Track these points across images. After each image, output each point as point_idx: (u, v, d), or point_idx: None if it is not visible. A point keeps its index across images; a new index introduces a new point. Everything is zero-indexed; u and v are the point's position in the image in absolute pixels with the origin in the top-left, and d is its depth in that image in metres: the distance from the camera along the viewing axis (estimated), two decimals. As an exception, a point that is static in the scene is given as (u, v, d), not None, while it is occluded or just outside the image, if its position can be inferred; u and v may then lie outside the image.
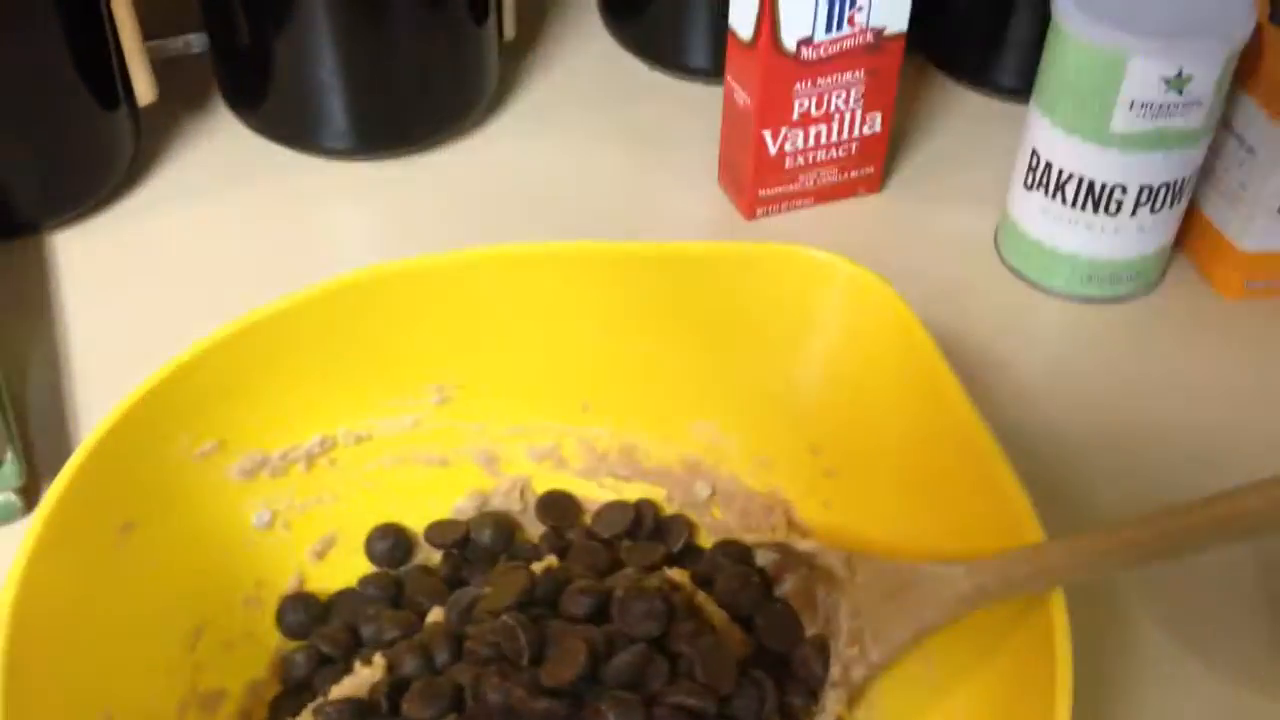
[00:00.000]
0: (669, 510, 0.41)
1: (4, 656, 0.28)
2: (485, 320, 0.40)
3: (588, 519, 0.41)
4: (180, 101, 0.59)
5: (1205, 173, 0.51)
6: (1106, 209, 0.49)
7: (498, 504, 0.41)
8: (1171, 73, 0.45)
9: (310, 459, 0.39)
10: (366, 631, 0.37)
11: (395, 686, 0.33)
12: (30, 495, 0.42)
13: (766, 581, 0.37)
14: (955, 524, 0.34)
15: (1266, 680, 0.38)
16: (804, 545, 0.36)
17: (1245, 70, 0.48)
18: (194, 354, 0.35)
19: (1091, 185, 0.49)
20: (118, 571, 0.33)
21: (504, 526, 0.40)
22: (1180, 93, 0.46)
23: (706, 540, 0.40)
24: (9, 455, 0.41)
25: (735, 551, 0.37)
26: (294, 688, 0.36)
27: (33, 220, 0.52)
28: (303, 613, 0.37)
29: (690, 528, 0.40)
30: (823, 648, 0.34)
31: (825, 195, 0.57)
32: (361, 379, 0.39)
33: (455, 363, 0.40)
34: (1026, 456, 0.45)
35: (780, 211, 0.57)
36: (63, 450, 0.44)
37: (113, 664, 0.32)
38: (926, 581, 0.31)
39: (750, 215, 0.56)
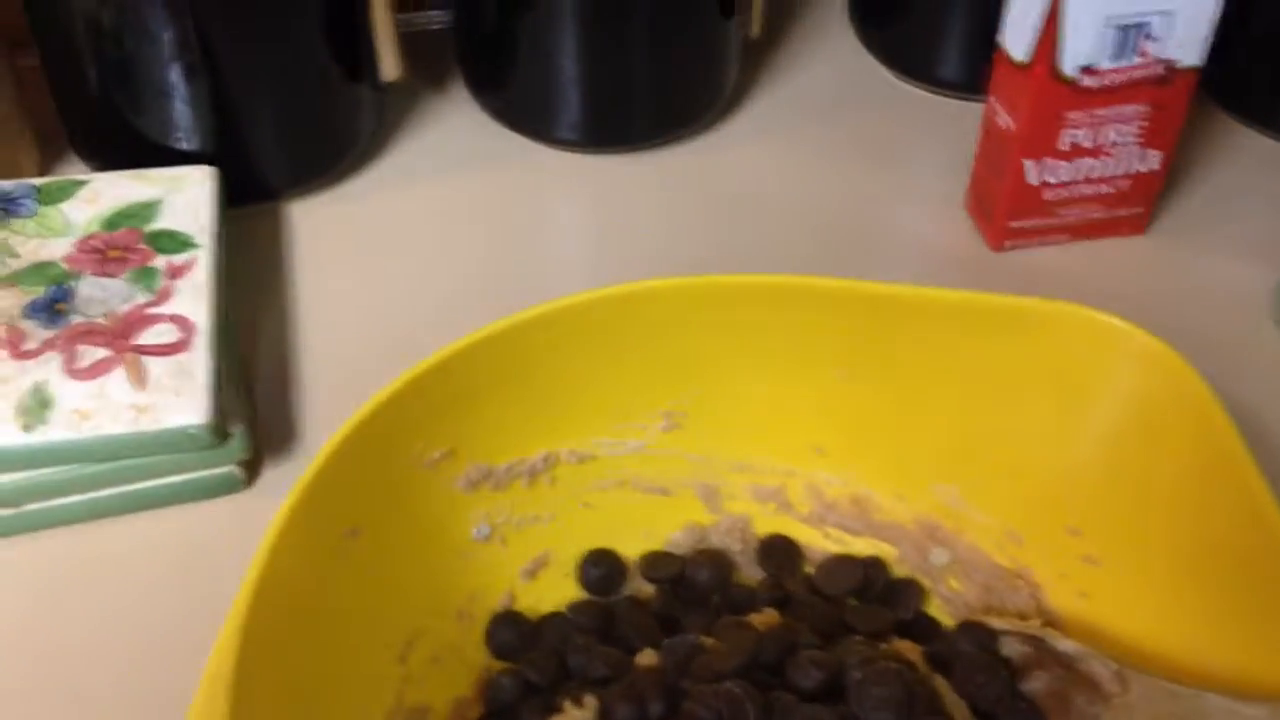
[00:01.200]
0: (899, 572, 0.38)
1: (236, 654, 0.28)
2: (720, 348, 0.37)
3: (808, 568, 0.39)
4: (422, 79, 0.59)
5: None
6: None
7: (715, 541, 0.39)
8: None
9: (533, 475, 0.37)
10: (575, 662, 0.35)
11: (606, 734, 0.32)
12: (252, 469, 0.42)
13: (1014, 675, 0.34)
14: (1246, 642, 0.30)
15: None
16: (1065, 645, 0.32)
17: None
18: (434, 362, 0.34)
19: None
20: (342, 576, 0.32)
21: (722, 567, 0.38)
22: None
23: (938, 611, 0.37)
24: (238, 428, 0.41)
25: (980, 637, 0.34)
26: (498, 711, 0.35)
27: (274, 188, 0.53)
28: (513, 633, 0.36)
29: (922, 594, 0.37)
30: (1073, 761, 0.31)
31: (1083, 232, 0.52)
32: (590, 398, 0.37)
33: (686, 389, 0.38)
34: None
35: (1030, 246, 0.52)
36: (284, 425, 0.44)
37: (329, 670, 0.31)
38: (1217, 717, 0.28)
39: (997, 246, 0.52)
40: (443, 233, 0.53)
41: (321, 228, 0.53)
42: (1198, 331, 0.48)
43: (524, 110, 0.56)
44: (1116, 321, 0.34)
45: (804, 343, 0.37)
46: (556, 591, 0.38)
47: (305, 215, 0.53)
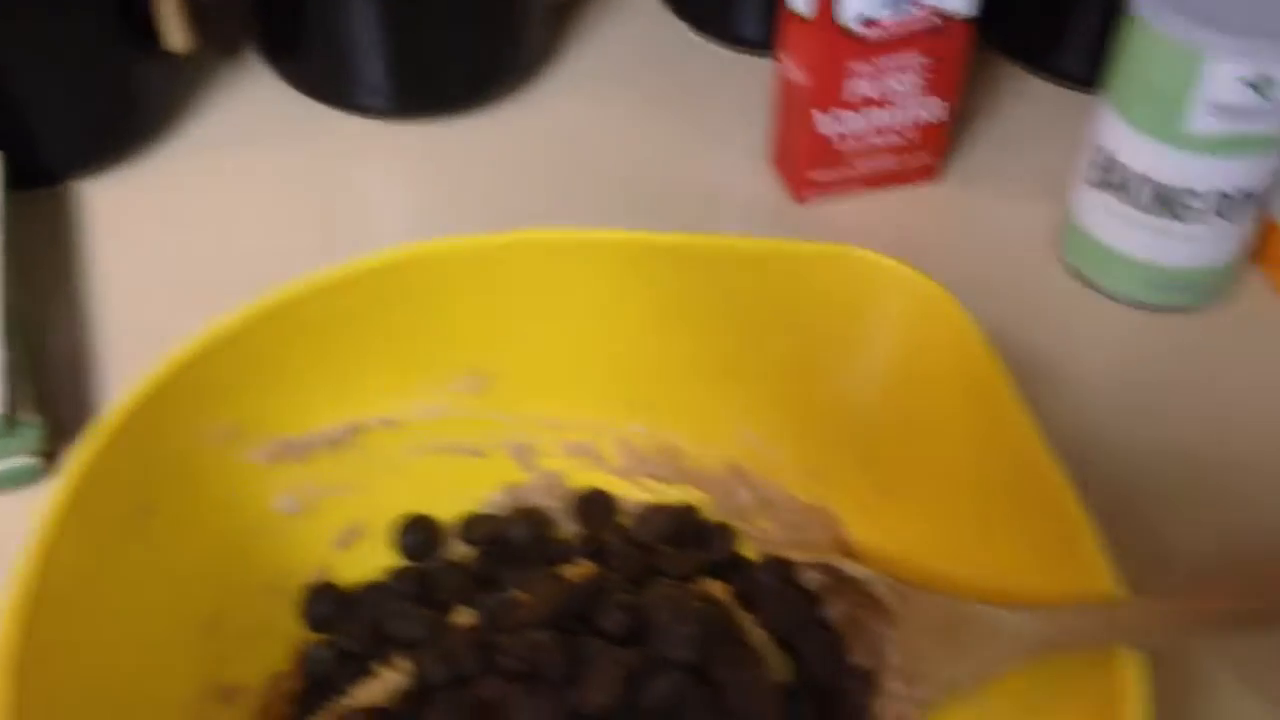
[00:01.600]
0: (711, 517, 0.40)
1: (18, 638, 0.27)
2: (523, 307, 0.38)
3: (624, 520, 0.40)
4: (216, 49, 0.57)
5: (1282, 182, 0.49)
6: (1177, 214, 0.47)
7: (531, 499, 0.40)
8: (1254, 75, 0.43)
9: (339, 444, 0.37)
10: (392, 628, 0.35)
11: (419, 694, 0.32)
12: (52, 458, 0.41)
13: (813, 604, 0.35)
14: (1015, 557, 0.32)
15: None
16: (854, 570, 0.34)
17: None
18: (220, 332, 0.33)
19: (1162, 188, 0.46)
20: (136, 555, 0.31)
21: (538, 524, 0.39)
22: (1263, 97, 0.43)
23: (749, 550, 0.39)
24: (31, 417, 0.40)
25: (781, 570, 0.36)
26: (316, 684, 0.35)
27: (59, 169, 0.51)
28: (328, 605, 0.36)
29: (733, 536, 0.39)
30: (869, 680, 0.33)
31: (881, 182, 0.55)
32: (393, 362, 0.37)
33: (491, 350, 0.38)
34: (1082, 472, 0.44)
35: (833, 196, 0.54)
36: (85, 412, 0.43)
37: (129, 652, 0.31)
38: (986, 624, 0.30)
39: (801, 198, 0.54)
40: (245, 206, 0.52)
41: (116, 207, 0.51)
42: (990, 272, 0.51)
43: (324, 78, 0.55)
44: (888, 261, 0.36)
45: (600, 297, 0.38)
46: (373, 560, 0.38)
47: (98, 195, 0.51)
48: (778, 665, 0.33)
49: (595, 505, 0.39)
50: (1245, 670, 0.37)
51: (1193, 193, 0.46)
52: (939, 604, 0.31)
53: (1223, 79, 0.43)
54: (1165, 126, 0.45)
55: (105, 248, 0.49)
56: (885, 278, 0.36)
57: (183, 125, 0.54)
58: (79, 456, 0.30)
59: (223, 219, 0.51)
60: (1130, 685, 0.27)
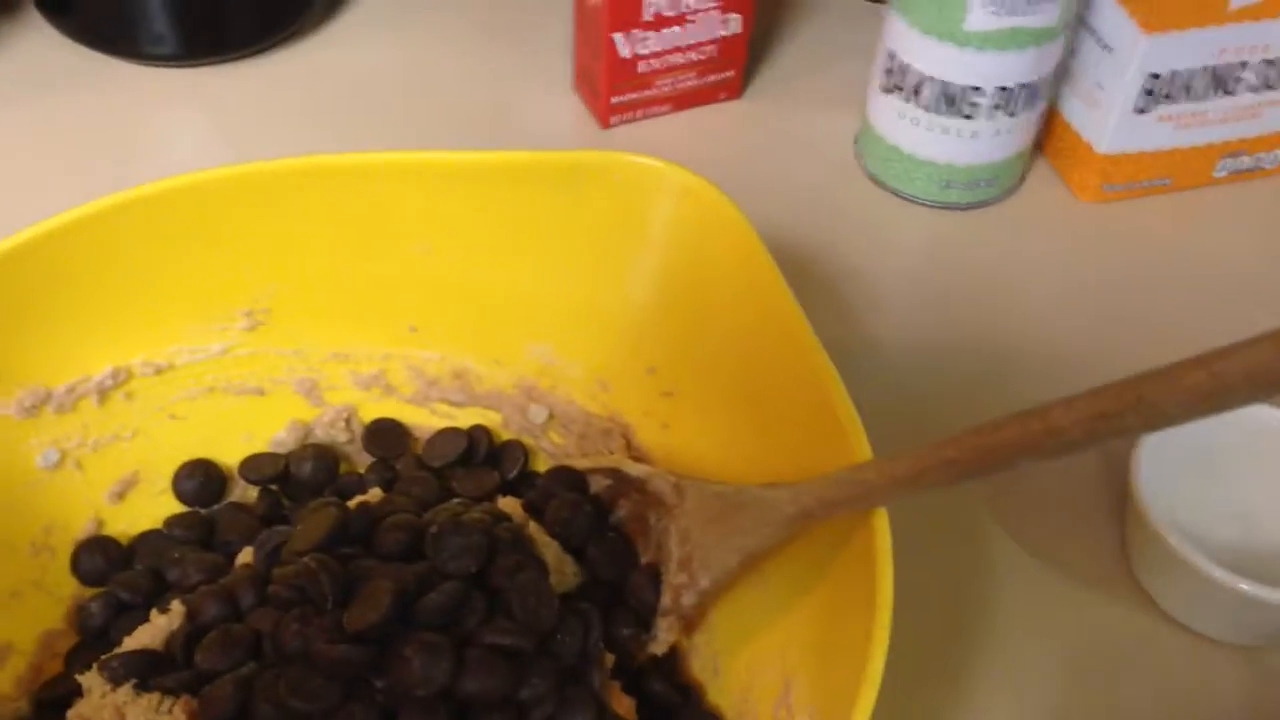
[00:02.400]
0: (505, 436, 0.39)
1: None
2: (296, 237, 0.36)
3: (419, 448, 0.39)
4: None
5: (1062, 73, 0.50)
6: (963, 112, 0.48)
7: (321, 435, 0.39)
8: (1028, -33, 0.44)
9: (102, 393, 0.35)
10: (171, 575, 0.34)
11: (193, 635, 0.31)
12: None
13: (600, 510, 0.35)
14: (790, 446, 0.32)
15: (1113, 580, 0.38)
16: (635, 470, 0.34)
17: (1101, -35, 0.47)
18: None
19: (947, 87, 0.47)
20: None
21: (326, 458, 0.38)
22: (1037, -11, 0.44)
23: (544, 466, 0.38)
24: None
25: (568, 478, 0.36)
26: (91, 638, 0.33)
27: None
28: (100, 557, 0.35)
29: (526, 454, 0.38)
30: (655, 575, 0.33)
31: (684, 102, 0.54)
32: (157, 303, 0.36)
33: (266, 283, 0.37)
34: (884, 367, 0.45)
35: (637, 119, 0.54)
36: None
37: None
38: (752, 506, 0.30)
39: (606, 123, 0.53)
40: (20, 165, 0.49)
41: None
42: (793, 181, 0.52)
43: (101, 27, 0.53)
44: (658, 164, 0.35)
45: (381, 222, 0.37)
46: (151, 510, 0.36)
47: None
48: (569, 571, 0.33)
49: (386, 434, 0.39)
50: (1007, 523, 0.39)
51: (976, 89, 0.47)
52: (709, 491, 0.32)
53: (996, -27, 0.44)
54: (946, 25, 0.46)
55: None
56: (657, 180, 0.36)
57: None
58: None
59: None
60: (878, 540, 0.27)
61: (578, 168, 0.36)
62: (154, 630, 0.31)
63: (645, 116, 0.54)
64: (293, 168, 0.36)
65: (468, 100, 0.54)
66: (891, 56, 0.48)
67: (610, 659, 0.32)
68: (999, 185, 0.51)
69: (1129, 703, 0.36)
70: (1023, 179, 0.52)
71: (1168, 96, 0.48)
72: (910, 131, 0.49)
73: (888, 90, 0.49)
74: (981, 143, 0.49)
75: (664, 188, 0.36)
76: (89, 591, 0.34)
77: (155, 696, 0.29)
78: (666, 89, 0.54)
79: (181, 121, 0.53)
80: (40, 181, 0.48)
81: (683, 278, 0.36)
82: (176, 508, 0.37)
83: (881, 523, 0.28)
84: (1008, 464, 0.24)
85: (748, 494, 0.30)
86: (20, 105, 0.51)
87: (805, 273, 0.34)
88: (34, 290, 0.33)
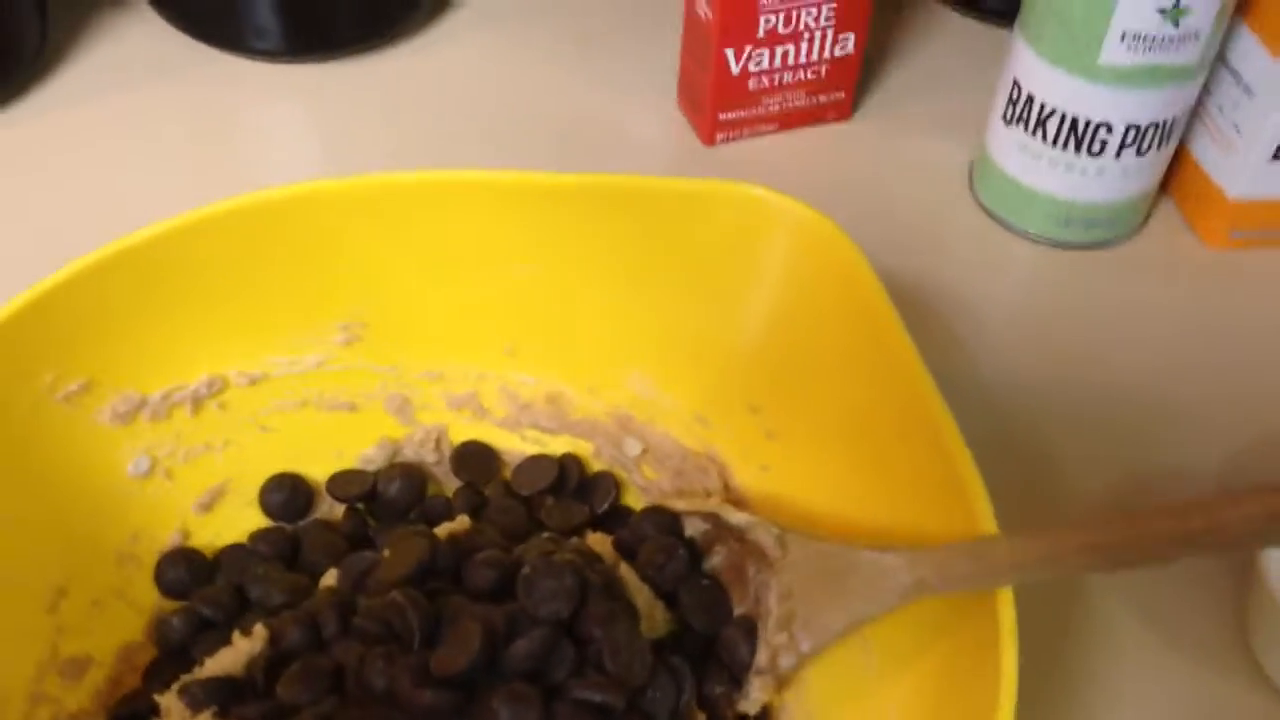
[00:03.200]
0: (596, 467, 0.38)
1: None
2: (397, 252, 0.36)
3: (508, 473, 0.38)
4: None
5: (1196, 113, 0.47)
6: (1090, 149, 0.45)
7: (410, 454, 0.38)
8: (1168, 3, 0.41)
9: (197, 401, 0.35)
10: (254, 593, 0.33)
11: (275, 661, 0.30)
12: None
13: (695, 554, 0.34)
14: (901, 501, 0.31)
15: (1231, 662, 0.36)
16: (735, 517, 0.32)
17: (1245, 2, 0.44)
18: (60, 280, 0.31)
19: (1075, 122, 0.45)
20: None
21: (415, 479, 0.37)
22: (1176, 25, 0.42)
23: (635, 500, 0.37)
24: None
25: (663, 520, 0.34)
26: (170, 653, 0.33)
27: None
28: (184, 570, 0.34)
29: (618, 486, 0.37)
30: (750, 630, 0.31)
31: (791, 121, 0.53)
32: (256, 313, 0.35)
33: (364, 298, 0.36)
34: (992, 410, 0.43)
35: (742, 137, 0.52)
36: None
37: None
38: (864, 569, 0.28)
39: (709, 140, 0.52)
40: (126, 152, 0.49)
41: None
42: (902, 210, 0.50)
43: (209, 19, 0.52)
44: (774, 196, 0.34)
45: (484, 241, 0.36)
46: (238, 523, 0.36)
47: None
48: (659, 618, 0.32)
49: (475, 458, 0.38)
50: (1146, 610, 0.37)
51: (1105, 126, 0.45)
52: (818, 550, 0.30)
53: (1136, 8, 0.42)
54: (1079, 59, 0.44)
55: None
56: (772, 213, 0.34)
57: (62, 70, 0.51)
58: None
59: (102, 165, 0.48)
60: (1003, 623, 0.25)
61: (689, 195, 0.35)
62: (235, 654, 0.31)
63: (751, 135, 0.53)
64: (397, 183, 0.35)
65: (569, 110, 0.53)
66: (1017, 86, 0.46)
67: (701, 717, 0.30)
68: (1121, 226, 0.48)
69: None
70: (1146, 221, 0.50)
71: (1309, 142, 0.45)
72: (1031, 165, 0.47)
73: (1009, 121, 0.47)
74: (1107, 181, 0.46)
75: (778, 220, 0.34)
76: (170, 604, 0.34)
77: (235, 726, 0.29)
78: (774, 108, 0.52)
79: (281, 118, 0.53)
80: (142, 169, 0.48)
81: (792, 314, 0.35)
82: (262, 521, 0.36)
83: (1007, 605, 0.26)
84: (1157, 558, 0.22)
85: (859, 556, 0.29)
86: (126, 93, 0.51)
87: (908, 301, 0.32)
88: (133, 296, 0.33)
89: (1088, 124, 0.45)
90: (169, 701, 0.30)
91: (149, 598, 0.34)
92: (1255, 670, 0.36)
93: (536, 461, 0.37)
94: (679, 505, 0.34)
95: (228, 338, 0.35)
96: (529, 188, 0.35)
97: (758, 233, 0.34)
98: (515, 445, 0.38)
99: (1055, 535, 0.24)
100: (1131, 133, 0.45)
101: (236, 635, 0.31)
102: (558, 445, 0.38)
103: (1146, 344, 0.45)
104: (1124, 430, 0.42)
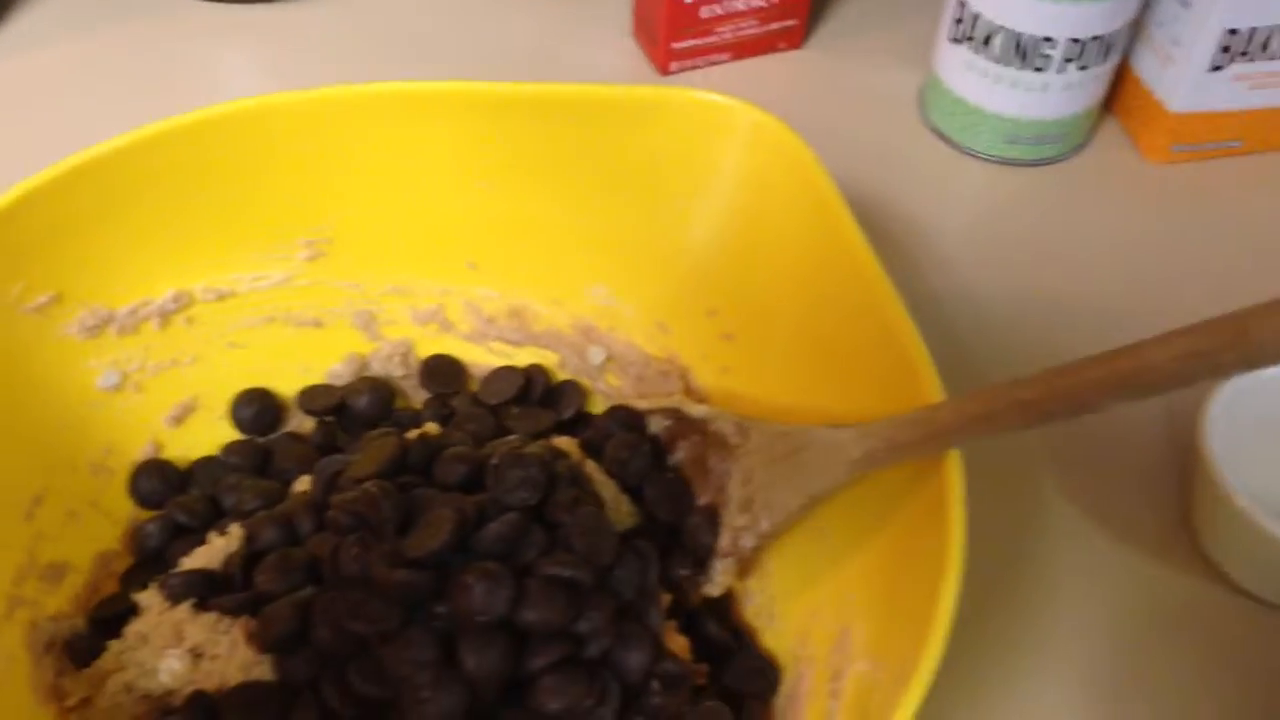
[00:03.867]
0: (561, 377, 0.39)
1: None
2: (359, 167, 0.36)
3: (475, 386, 0.39)
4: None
5: (1137, 28, 0.49)
6: (1033, 64, 0.47)
7: (377, 369, 0.39)
8: (1107, -84, 0.42)
9: (164, 316, 0.35)
10: (227, 501, 0.34)
11: (251, 558, 0.31)
12: None
13: (658, 450, 0.35)
14: (856, 388, 0.32)
15: (1173, 545, 0.37)
16: (696, 410, 0.33)
17: (1185, -86, 0.45)
18: (20, 194, 0.31)
19: (1019, 37, 0.46)
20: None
21: (382, 392, 0.38)
22: (1115, -61, 0.43)
23: (600, 408, 0.38)
24: None
25: (627, 418, 0.35)
26: (147, 559, 0.33)
27: None
28: (158, 480, 0.35)
29: (583, 394, 0.38)
30: (713, 517, 0.33)
31: (744, 50, 0.54)
32: (221, 229, 0.35)
33: (327, 213, 0.37)
34: (944, 322, 0.44)
35: (697, 67, 0.53)
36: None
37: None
38: (817, 447, 0.29)
39: (664, 69, 0.53)
40: (83, 93, 0.49)
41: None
42: (854, 133, 0.51)
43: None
44: (724, 100, 0.35)
45: (445, 155, 0.36)
46: (208, 436, 0.36)
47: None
48: (625, 510, 0.33)
49: (442, 371, 0.38)
50: (1066, 485, 0.38)
51: (1048, 40, 0.46)
52: (775, 433, 0.31)
53: (1073, -78, 0.43)
54: (1021, -25, 0.45)
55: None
56: (725, 118, 0.35)
57: (17, 11, 0.51)
58: None
59: (61, 106, 0.48)
60: (950, 486, 0.26)
61: (644, 104, 0.36)
62: (211, 552, 0.31)
63: (705, 64, 0.53)
64: (356, 94, 0.35)
65: (525, 45, 0.54)
66: (962, 5, 0.47)
67: (666, 599, 0.31)
68: (1065, 142, 0.50)
69: (1186, 668, 0.35)
70: (1090, 137, 0.51)
71: (1244, 54, 0.47)
72: (978, 83, 0.48)
73: (956, 40, 0.48)
74: (1051, 96, 0.48)
75: (733, 126, 0.35)
76: (145, 515, 0.35)
77: (213, 616, 0.29)
78: (727, 36, 0.53)
79: (234, 56, 0.53)
80: (99, 107, 0.48)
81: (747, 218, 0.36)
82: (233, 435, 0.37)
83: (954, 465, 0.27)
84: (1092, 405, 0.23)
85: (813, 434, 0.30)
86: (81, 34, 0.51)
87: (860, 222, 0.33)
88: (96, 210, 0.33)
89: (1031, 39, 0.46)
90: (148, 598, 0.30)
91: (124, 509, 0.35)
92: (1195, 555, 0.37)
93: (502, 373, 0.38)
94: (642, 404, 0.35)
95: (193, 253, 0.35)
96: (485, 97, 0.36)
97: (712, 138, 0.35)
98: (481, 358, 0.39)
99: (991, 393, 0.25)
100: (1074, 47, 0.46)
101: (213, 535, 0.32)
102: (523, 357, 0.39)
103: (1091, 257, 0.47)
104: (1071, 339, 0.43)
